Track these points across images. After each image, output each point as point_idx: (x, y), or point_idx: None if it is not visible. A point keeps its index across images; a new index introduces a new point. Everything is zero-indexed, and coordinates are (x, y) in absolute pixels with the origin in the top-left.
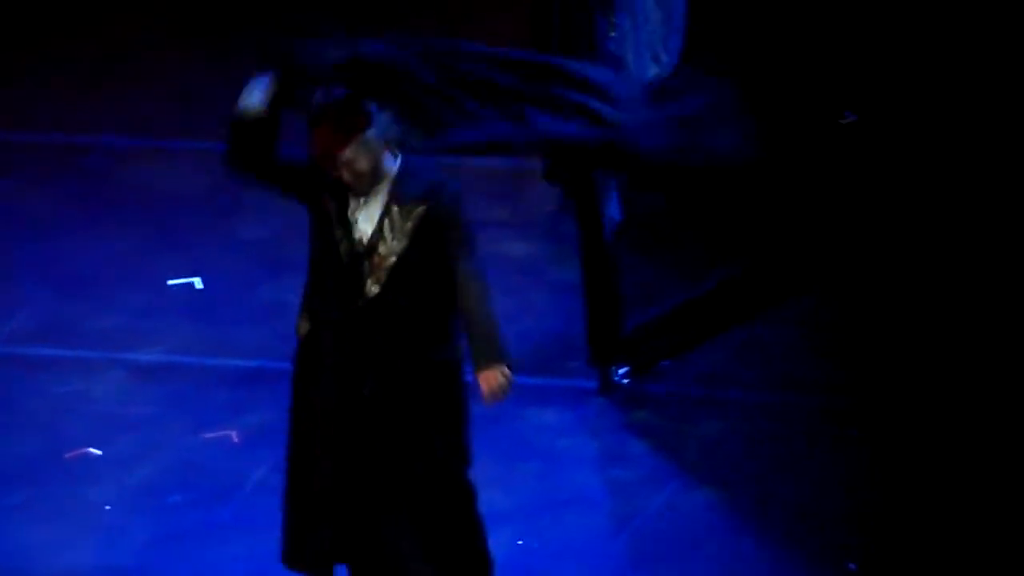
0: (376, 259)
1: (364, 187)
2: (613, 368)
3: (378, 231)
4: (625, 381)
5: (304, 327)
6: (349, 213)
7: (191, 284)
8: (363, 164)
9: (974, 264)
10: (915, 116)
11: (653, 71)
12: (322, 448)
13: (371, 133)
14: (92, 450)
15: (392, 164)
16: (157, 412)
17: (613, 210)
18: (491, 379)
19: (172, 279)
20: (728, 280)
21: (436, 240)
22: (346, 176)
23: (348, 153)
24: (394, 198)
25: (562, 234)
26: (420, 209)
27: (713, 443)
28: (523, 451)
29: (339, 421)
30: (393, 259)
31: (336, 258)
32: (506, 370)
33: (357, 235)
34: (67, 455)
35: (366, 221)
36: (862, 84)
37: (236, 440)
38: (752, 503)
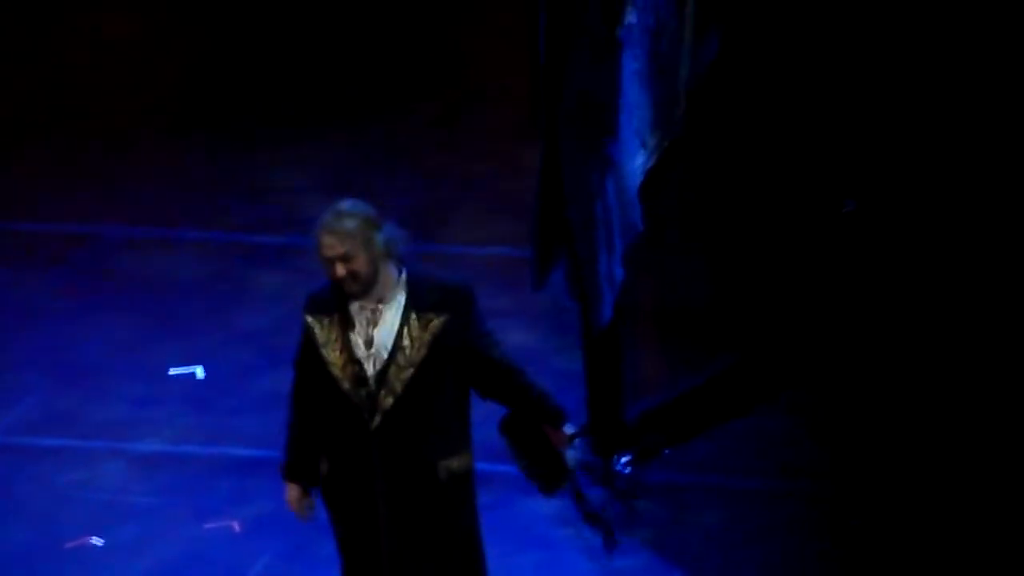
0: (393, 371)
1: (360, 292)
2: (615, 456)
3: (397, 342)
4: (627, 470)
5: (324, 466)
6: (355, 334)
7: (192, 373)
8: (364, 266)
9: (972, 352)
10: (916, 205)
11: (640, 159)
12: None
13: (376, 236)
14: (93, 539)
15: (397, 274)
16: (158, 502)
17: (606, 308)
18: (559, 437)
19: (172, 368)
20: (729, 369)
21: (453, 348)
22: (347, 282)
23: (355, 256)
24: (411, 307)
25: (564, 323)
26: (440, 319)
27: (715, 532)
28: (523, 540)
29: (374, 539)
30: (411, 371)
31: (343, 385)
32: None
33: (367, 352)
34: (68, 544)
35: (382, 334)
36: (863, 172)
37: (238, 529)
38: None
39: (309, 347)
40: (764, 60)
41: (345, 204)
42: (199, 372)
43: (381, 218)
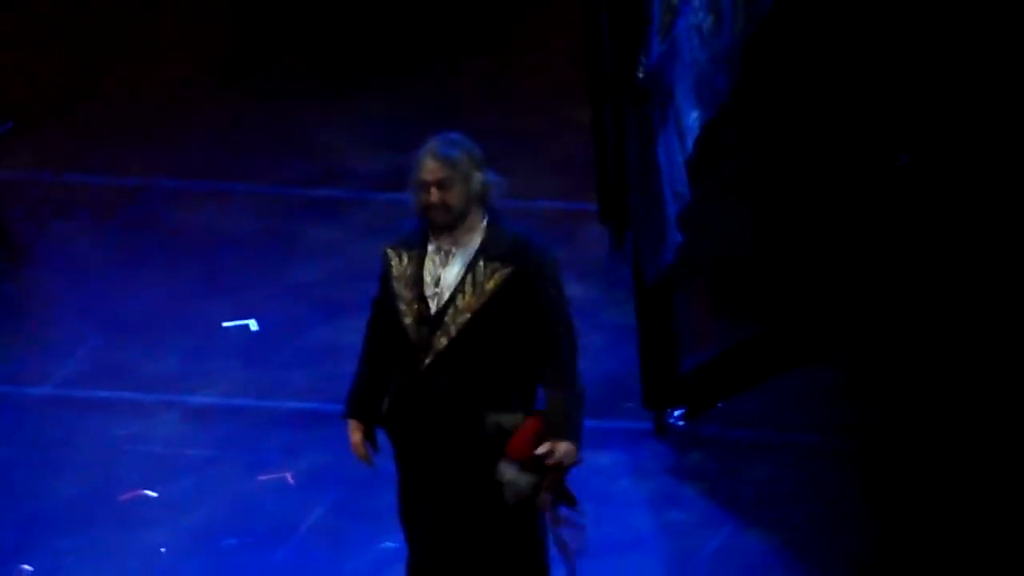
0: (451, 313)
1: (446, 224)
2: (668, 410)
3: (459, 286)
4: (680, 423)
5: (386, 403)
6: (427, 272)
7: (246, 326)
8: (458, 199)
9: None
10: (971, 160)
11: (696, 113)
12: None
13: (476, 175)
14: (147, 492)
15: (481, 220)
16: (212, 454)
17: (662, 259)
18: (559, 447)
19: (226, 322)
20: (780, 323)
21: (517, 303)
22: (437, 210)
23: (452, 186)
24: (482, 254)
25: (617, 276)
26: (505, 270)
27: (768, 485)
28: (578, 493)
29: (422, 488)
30: (467, 316)
31: (405, 320)
32: (573, 449)
33: (433, 291)
34: (121, 497)
35: (449, 276)
36: (917, 126)
37: (291, 482)
38: (807, 546)
39: (385, 281)
40: (817, 12)
41: (454, 135)
42: (252, 325)
43: (484, 161)
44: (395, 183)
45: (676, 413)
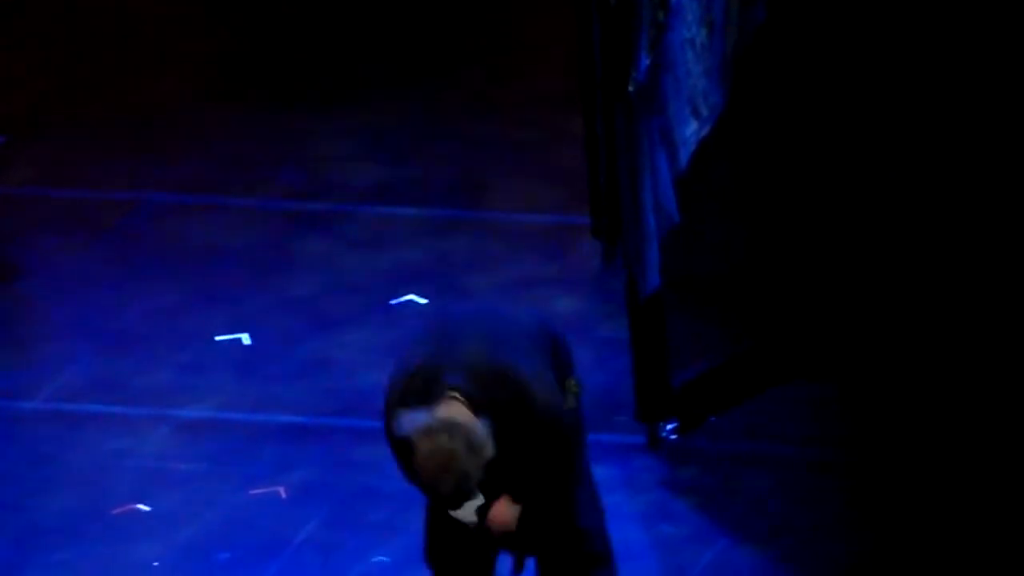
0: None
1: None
2: (660, 423)
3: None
4: (672, 436)
5: None
6: None
7: (239, 340)
8: (475, 473)
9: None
10: (970, 168)
11: (692, 126)
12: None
13: (474, 439)
14: (139, 506)
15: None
16: (204, 468)
17: (652, 276)
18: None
19: (218, 335)
20: (775, 336)
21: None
22: (459, 497)
23: (464, 479)
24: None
25: (609, 290)
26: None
27: (761, 499)
28: None
29: None
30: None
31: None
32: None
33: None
34: (114, 511)
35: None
36: (908, 144)
37: (283, 496)
38: (801, 560)
39: None
40: (810, 25)
41: (417, 414)
42: (245, 339)
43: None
44: (390, 195)
45: (669, 426)
